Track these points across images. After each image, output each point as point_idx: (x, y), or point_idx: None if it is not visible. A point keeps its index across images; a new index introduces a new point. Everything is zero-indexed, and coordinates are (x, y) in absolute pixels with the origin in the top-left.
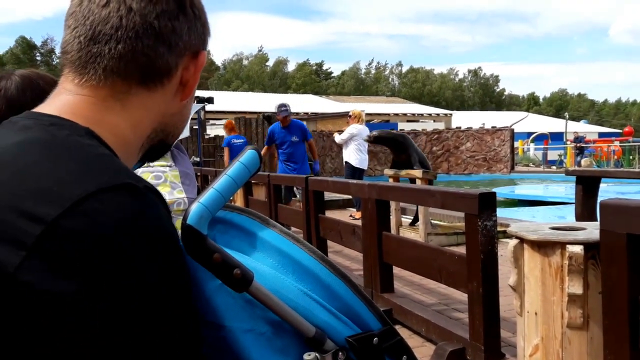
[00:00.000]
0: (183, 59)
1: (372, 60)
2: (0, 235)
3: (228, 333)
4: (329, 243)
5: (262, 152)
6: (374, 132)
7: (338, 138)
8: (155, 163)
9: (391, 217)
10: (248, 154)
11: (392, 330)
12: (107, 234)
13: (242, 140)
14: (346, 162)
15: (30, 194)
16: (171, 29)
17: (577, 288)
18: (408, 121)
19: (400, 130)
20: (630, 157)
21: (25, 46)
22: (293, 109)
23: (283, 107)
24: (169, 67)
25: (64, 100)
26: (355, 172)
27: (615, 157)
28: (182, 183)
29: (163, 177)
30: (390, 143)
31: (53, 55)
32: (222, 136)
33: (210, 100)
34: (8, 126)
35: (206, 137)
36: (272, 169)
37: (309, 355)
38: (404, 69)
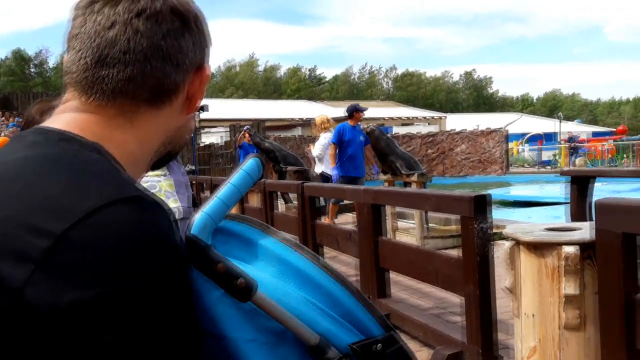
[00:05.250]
0: (189, 74)
1: (366, 64)
2: (8, 250)
3: (229, 343)
4: (325, 249)
5: (331, 152)
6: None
7: (315, 153)
8: (150, 173)
9: (387, 221)
10: (250, 162)
11: (394, 336)
12: (114, 244)
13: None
14: (322, 173)
15: (38, 209)
16: (178, 48)
17: (573, 289)
18: (402, 125)
19: (395, 134)
20: (624, 156)
21: (19, 58)
22: (288, 115)
23: (358, 106)
24: (176, 85)
25: (71, 117)
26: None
27: (609, 155)
28: (177, 192)
29: (157, 186)
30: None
31: (46, 66)
32: (217, 144)
33: (204, 108)
34: (17, 141)
35: (201, 145)
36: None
37: None
38: (399, 72)
